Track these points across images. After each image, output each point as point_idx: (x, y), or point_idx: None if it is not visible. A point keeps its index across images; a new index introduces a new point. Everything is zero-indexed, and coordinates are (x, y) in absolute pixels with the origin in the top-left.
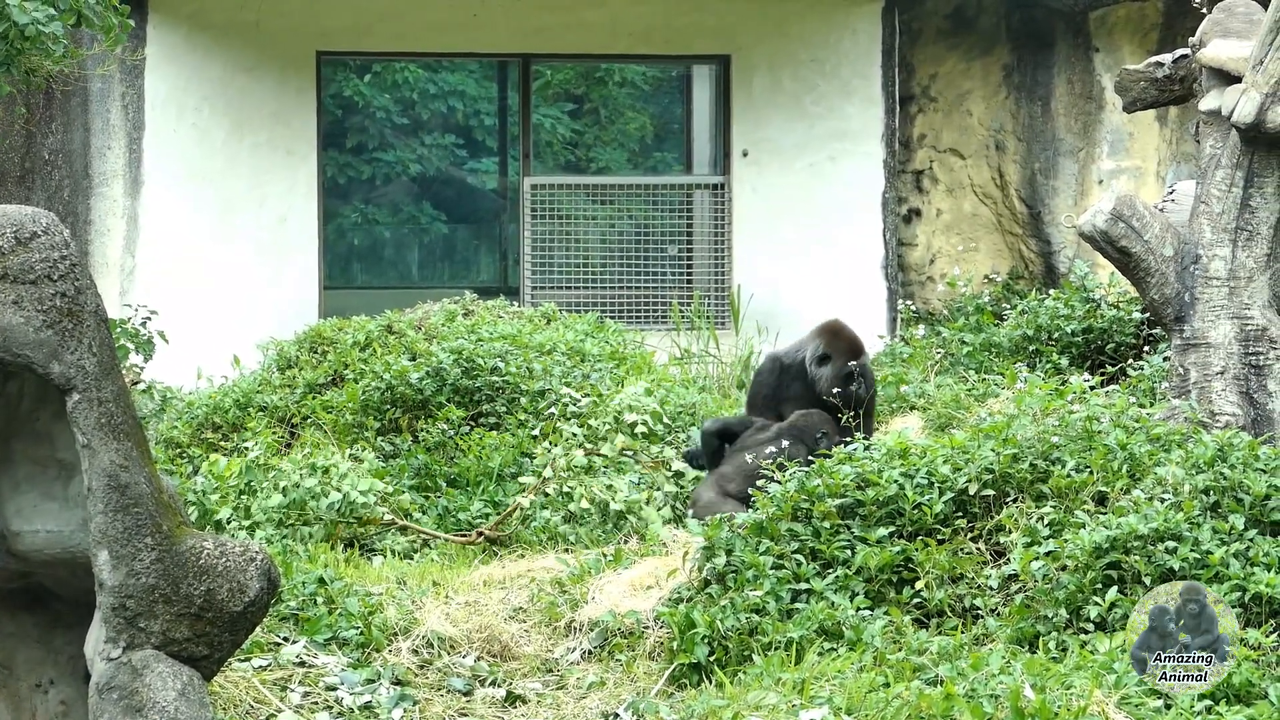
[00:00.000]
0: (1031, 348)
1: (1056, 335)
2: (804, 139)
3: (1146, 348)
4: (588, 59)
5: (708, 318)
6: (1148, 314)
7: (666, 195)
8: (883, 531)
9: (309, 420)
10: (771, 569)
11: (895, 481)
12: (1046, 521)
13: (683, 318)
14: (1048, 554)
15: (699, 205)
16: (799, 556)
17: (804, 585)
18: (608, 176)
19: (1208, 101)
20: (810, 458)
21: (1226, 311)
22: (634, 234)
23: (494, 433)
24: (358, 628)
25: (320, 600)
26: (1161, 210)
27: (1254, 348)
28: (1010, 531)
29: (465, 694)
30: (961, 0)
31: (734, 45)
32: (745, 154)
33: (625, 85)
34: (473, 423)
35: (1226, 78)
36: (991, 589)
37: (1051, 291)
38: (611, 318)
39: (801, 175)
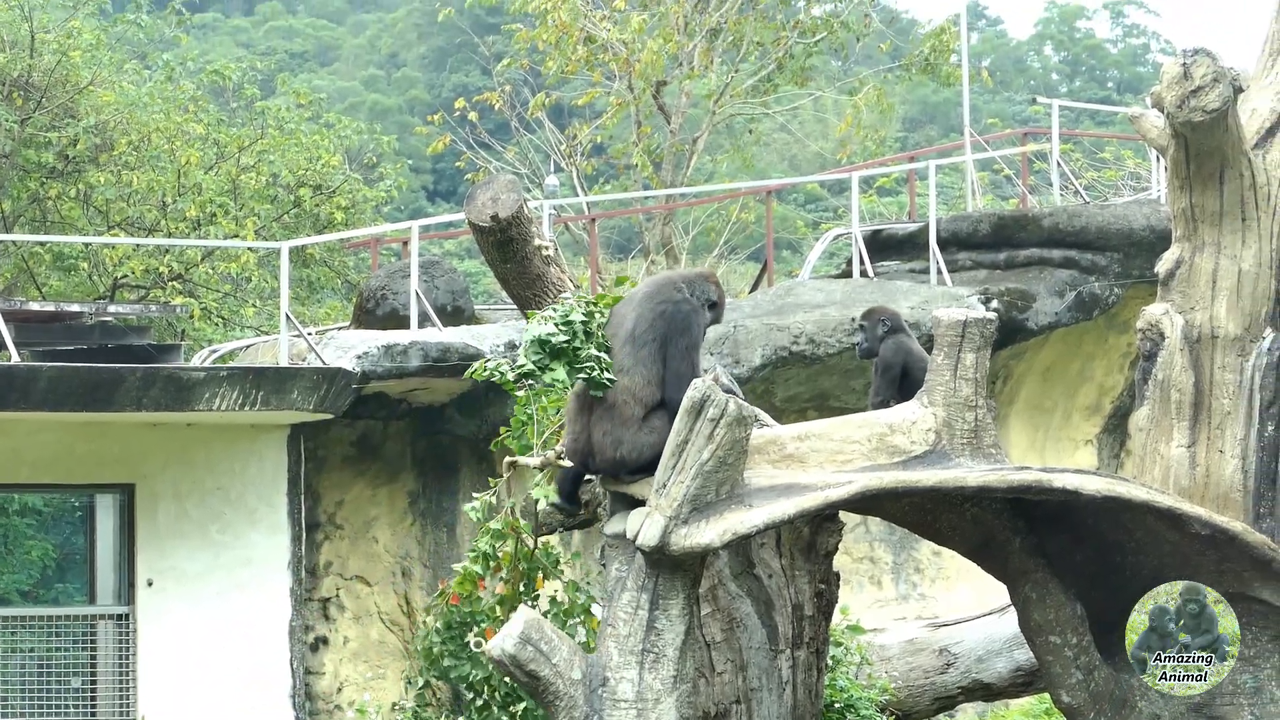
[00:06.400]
0: None
1: None
2: (210, 567)
3: None
4: None
5: None
6: None
7: (69, 626)
8: None
9: None
10: None
11: None
12: None
13: None
14: None
15: (103, 636)
16: None
17: None
18: (6, 608)
19: (613, 525)
20: None
21: None
22: (35, 668)
23: None
24: None
25: None
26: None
27: None
28: None
29: None
30: (367, 428)
31: (138, 473)
32: (150, 583)
33: (26, 513)
34: None
35: (631, 501)
36: None
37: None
38: None
39: (209, 604)
